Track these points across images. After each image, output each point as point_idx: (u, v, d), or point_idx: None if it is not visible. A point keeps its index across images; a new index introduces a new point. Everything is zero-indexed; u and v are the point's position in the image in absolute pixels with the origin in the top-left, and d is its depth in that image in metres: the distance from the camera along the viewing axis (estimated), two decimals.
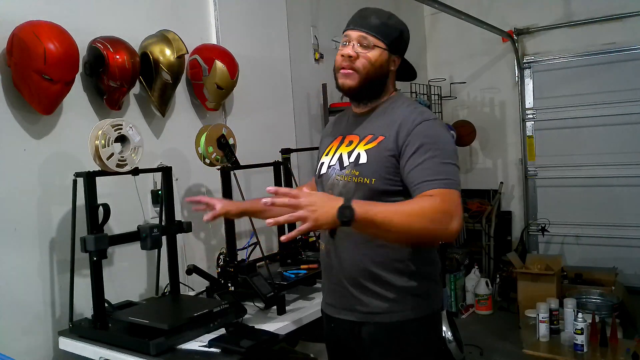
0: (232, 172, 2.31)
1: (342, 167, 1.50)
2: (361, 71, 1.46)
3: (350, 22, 1.51)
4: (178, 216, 2.26)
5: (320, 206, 1.21)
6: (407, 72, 1.61)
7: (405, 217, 1.24)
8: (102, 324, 1.83)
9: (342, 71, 1.49)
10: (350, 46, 1.47)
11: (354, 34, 1.48)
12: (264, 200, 1.24)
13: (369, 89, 1.50)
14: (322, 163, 1.60)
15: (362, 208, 1.21)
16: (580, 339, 2.87)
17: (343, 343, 1.59)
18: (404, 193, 1.40)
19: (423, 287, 1.48)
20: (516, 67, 4.75)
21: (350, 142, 1.53)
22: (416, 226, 1.24)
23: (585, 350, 2.87)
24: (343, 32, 1.52)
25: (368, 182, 1.43)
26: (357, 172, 1.45)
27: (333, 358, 1.68)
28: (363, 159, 1.45)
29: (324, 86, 3.62)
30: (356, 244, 1.47)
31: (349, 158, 1.49)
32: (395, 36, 1.49)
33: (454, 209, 1.28)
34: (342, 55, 1.48)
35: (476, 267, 4.37)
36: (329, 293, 1.61)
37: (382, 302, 1.46)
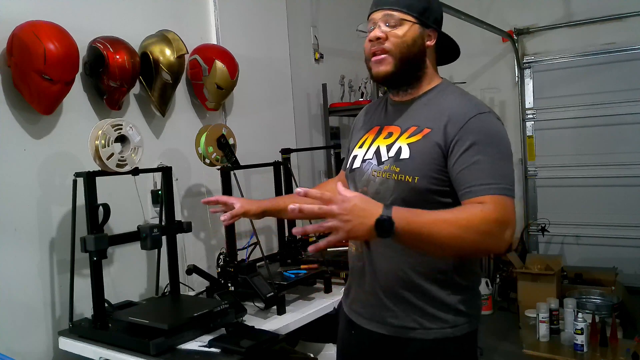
0: (232, 172, 2.31)
1: (380, 161, 1.33)
2: (394, 51, 1.31)
3: (372, 4, 1.38)
4: (178, 216, 2.26)
5: (355, 216, 1.05)
6: (448, 52, 1.44)
7: (454, 228, 1.10)
8: (102, 324, 1.84)
9: (373, 58, 1.33)
10: (377, 28, 1.33)
11: (377, 14, 1.34)
12: (290, 206, 1.08)
13: (408, 71, 1.34)
14: (355, 156, 1.42)
15: (404, 219, 1.06)
16: (580, 339, 2.87)
17: (364, 353, 1.41)
18: (452, 194, 1.25)
19: (464, 301, 1.31)
20: (516, 67, 4.74)
21: (390, 134, 1.36)
22: (465, 239, 1.11)
23: (585, 350, 2.87)
24: (367, 18, 1.39)
25: (410, 180, 1.26)
26: (398, 169, 1.28)
27: None
28: (405, 154, 1.28)
29: (324, 86, 3.62)
30: (395, 250, 1.29)
31: (388, 152, 1.32)
32: (423, 6, 1.33)
33: (507, 218, 1.15)
34: (371, 40, 1.33)
35: None
36: (357, 300, 1.43)
37: (418, 316, 1.30)
